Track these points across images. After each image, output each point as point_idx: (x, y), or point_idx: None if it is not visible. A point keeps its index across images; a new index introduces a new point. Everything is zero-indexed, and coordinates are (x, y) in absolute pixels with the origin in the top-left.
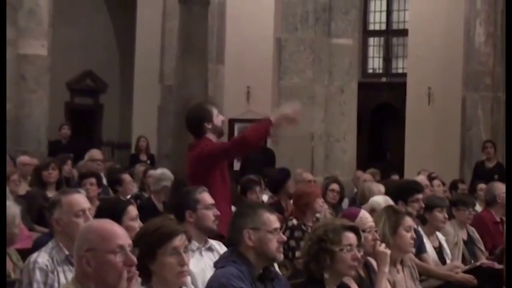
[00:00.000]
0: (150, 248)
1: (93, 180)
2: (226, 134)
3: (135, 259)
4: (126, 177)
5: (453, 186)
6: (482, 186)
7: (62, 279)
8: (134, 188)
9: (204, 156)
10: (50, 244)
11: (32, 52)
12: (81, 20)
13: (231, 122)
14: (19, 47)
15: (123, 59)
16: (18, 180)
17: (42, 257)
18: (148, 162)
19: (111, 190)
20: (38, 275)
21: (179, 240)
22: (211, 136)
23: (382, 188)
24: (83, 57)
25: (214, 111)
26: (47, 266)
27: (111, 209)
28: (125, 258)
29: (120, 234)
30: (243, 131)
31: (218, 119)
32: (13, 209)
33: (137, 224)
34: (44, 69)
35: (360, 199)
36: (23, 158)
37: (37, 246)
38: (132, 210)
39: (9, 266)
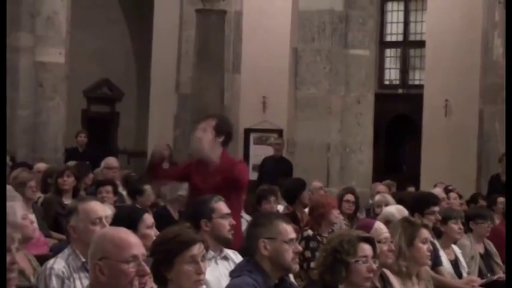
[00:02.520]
0: (167, 256)
1: (109, 188)
2: (241, 143)
3: (148, 269)
4: (148, 188)
5: (471, 199)
6: (501, 199)
7: (78, 286)
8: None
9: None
10: (67, 251)
11: (49, 60)
12: (98, 28)
13: (247, 132)
14: (37, 54)
15: (139, 68)
16: (36, 187)
17: (58, 264)
18: None
19: (131, 198)
20: (54, 282)
21: (197, 249)
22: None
23: (390, 198)
24: (100, 65)
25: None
26: (63, 273)
27: (127, 217)
28: (138, 268)
29: (135, 244)
30: None
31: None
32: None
33: (153, 232)
34: (61, 76)
35: (374, 209)
36: (40, 165)
37: (54, 252)
38: (148, 218)
39: (29, 270)
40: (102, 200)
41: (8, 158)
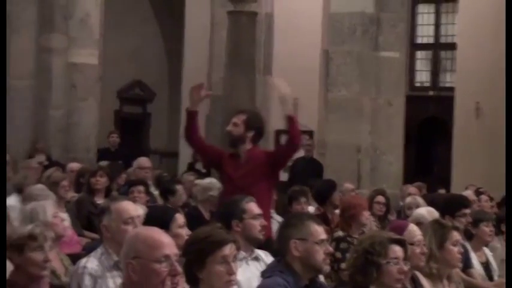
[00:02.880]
0: (199, 255)
1: (141, 188)
2: (272, 145)
3: (180, 269)
4: (180, 188)
5: (502, 202)
6: None
7: (111, 285)
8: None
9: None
10: (99, 250)
11: (82, 61)
12: (131, 30)
13: (278, 133)
14: (70, 56)
15: (171, 69)
16: (68, 186)
17: (91, 263)
18: (204, 171)
19: (162, 198)
20: (86, 280)
21: (229, 249)
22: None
23: (421, 200)
24: (133, 66)
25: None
26: (96, 272)
27: (159, 217)
28: (170, 268)
29: (167, 244)
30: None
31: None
32: (42, 202)
33: (185, 232)
34: (94, 78)
35: (404, 211)
36: (73, 165)
37: (86, 251)
38: (180, 217)
39: (60, 269)
40: (134, 200)
41: (44, 157)
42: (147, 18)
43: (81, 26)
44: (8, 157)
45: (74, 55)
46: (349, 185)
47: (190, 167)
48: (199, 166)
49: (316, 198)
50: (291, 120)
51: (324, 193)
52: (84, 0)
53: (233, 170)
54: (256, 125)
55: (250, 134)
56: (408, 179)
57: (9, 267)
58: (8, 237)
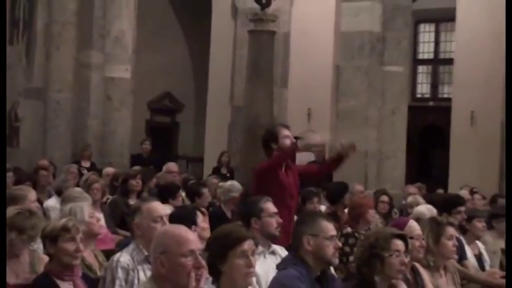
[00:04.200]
0: (221, 250)
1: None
2: None
3: (203, 262)
4: (205, 191)
5: (493, 200)
6: None
7: (142, 277)
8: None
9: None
10: (131, 246)
11: (117, 75)
12: (161, 47)
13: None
14: (106, 70)
15: (198, 82)
16: (101, 188)
17: (124, 257)
18: (228, 175)
19: (189, 200)
20: (120, 273)
21: (248, 245)
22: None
23: (421, 199)
24: (163, 80)
25: (282, 133)
26: (128, 265)
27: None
28: (195, 262)
29: (192, 240)
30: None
31: (284, 140)
32: (79, 203)
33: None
34: (127, 90)
35: (405, 209)
36: (108, 169)
37: (120, 248)
38: (199, 216)
39: (95, 265)
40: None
41: (89, 163)
42: (176, 37)
43: (116, 43)
44: (45, 162)
45: (110, 70)
46: (359, 187)
47: (216, 171)
48: (223, 170)
49: (329, 199)
50: (337, 163)
51: (337, 194)
52: (119, 20)
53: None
54: None
55: None
56: (410, 180)
57: (44, 258)
58: (43, 229)
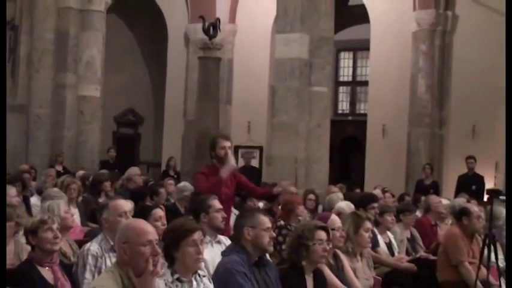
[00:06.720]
0: (175, 240)
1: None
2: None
3: (159, 250)
4: (162, 190)
5: (401, 197)
6: (423, 198)
7: (108, 263)
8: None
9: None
10: (99, 236)
11: (88, 94)
12: (125, 70)
13: (236, 148)
14: (79, 90)
15: (156, 100)
16: (77, 189)
17: (93, 246)
18: (175, 176)
19: (150, 198)
20: (90, 259)
21: (197, 235)
22: (216, 163)
23: (341, 195)
24: (127, 97)
25: (220, 144)
26: (97, 253)
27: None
28: (153, 250)
29: (150, 231)
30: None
31: (219, 150)
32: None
33: (160, 223)
34: (97, 106)
35: (328, 205)
36: (80, 172)
37: (89, 237)
38: (158, 212)
39: (69, 252)
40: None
41: (61, 167)
42: (138, 61)
43: (88, 67)
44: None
45: (82, 89)
46: (292, 188)
47: (165, 174)
48: (171, 173)
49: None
50: (273, 196)
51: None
52: (90, 47)
53: (228, 189)
54: None
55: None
56: (332, 182)
57: (28, 248)
58: (25, 226)
